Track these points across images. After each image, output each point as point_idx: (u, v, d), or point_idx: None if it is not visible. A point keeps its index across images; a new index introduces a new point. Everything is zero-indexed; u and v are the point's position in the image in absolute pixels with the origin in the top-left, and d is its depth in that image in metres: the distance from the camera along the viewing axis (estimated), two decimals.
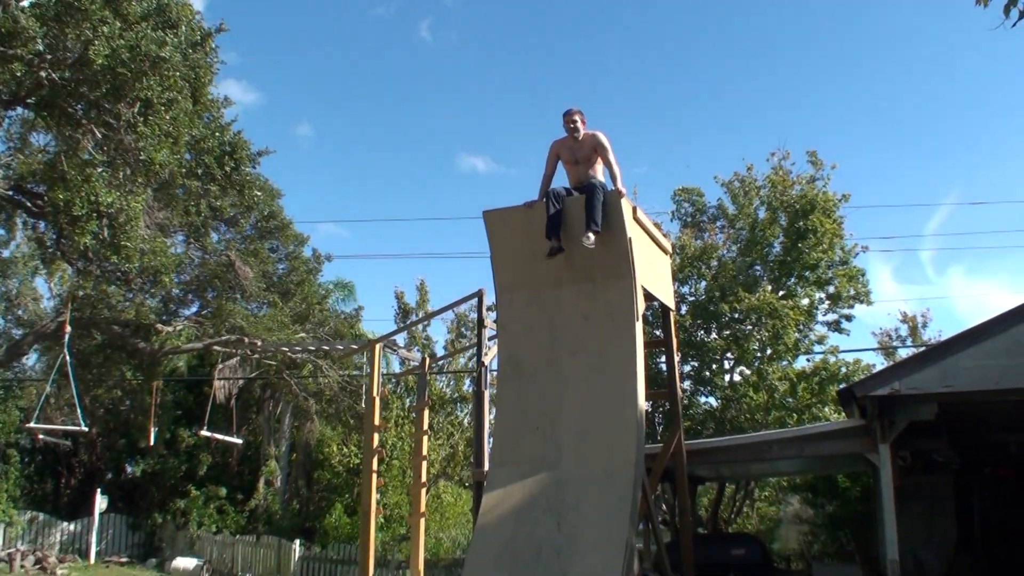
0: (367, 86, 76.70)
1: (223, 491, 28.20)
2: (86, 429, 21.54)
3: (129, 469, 31.23)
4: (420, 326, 31.21)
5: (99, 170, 14.20)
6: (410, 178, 76.87)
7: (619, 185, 9.19)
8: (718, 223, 27.34)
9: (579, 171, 9.42)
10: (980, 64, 70.70)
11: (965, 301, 64.92)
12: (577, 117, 9.39)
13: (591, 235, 8.67)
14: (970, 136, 71.35)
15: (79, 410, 20.52)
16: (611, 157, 9.29)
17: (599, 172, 9.41)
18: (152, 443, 25.12)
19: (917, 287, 65.42)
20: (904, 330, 31.41)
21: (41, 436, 24.16)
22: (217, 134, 17.69)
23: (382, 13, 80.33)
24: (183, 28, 14.42)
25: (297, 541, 24.69)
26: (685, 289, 25.96)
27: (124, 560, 27.10)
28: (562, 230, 8.95)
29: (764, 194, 26.52)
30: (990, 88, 71.16)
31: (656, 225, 11.08)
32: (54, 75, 13.67)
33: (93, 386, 27.44)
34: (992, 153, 72.06)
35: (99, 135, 14.54)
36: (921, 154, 72.23)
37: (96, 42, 12.72)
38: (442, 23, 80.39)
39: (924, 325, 31.10)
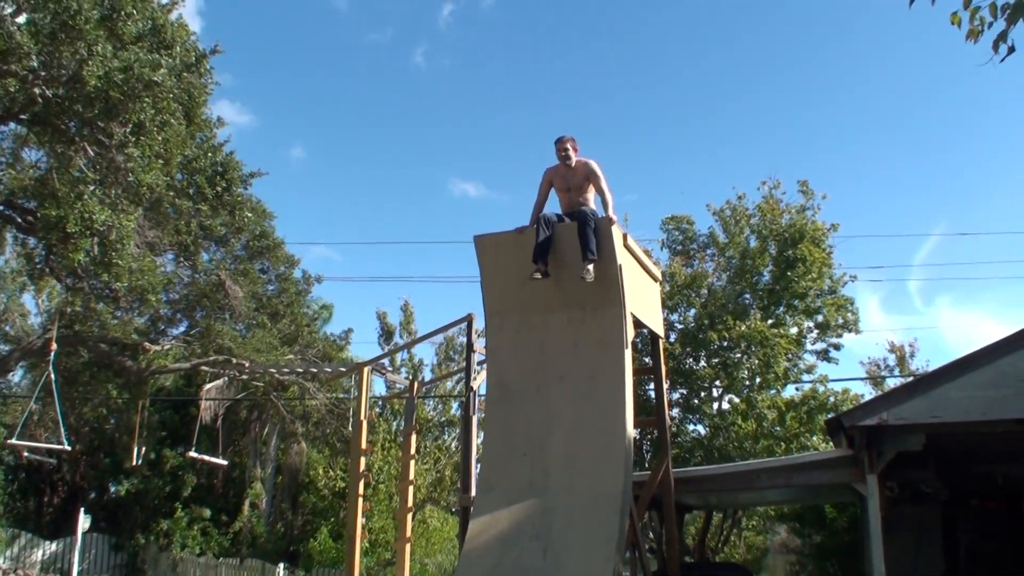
0: (361, 110, 77.10)
1: (207, 513, 27.97)
2: (68, 448, 21.37)
3: (113, 489, 30.96)
4: (408, 348, 31.21)
5: (91, 188, 14.18)
6: (402, 202, 77.13)
7: (610, 212, 9.21)
8: (708, 251, 27.43)
9: (571, 198, 9.46)
10: (968, 96, 71.45)
11: (953, 331, 65.16)
12: (569, 145, 9.45)
13: (590, 268, 8.68)
14: (957, 167, 71.96)
15: (62, 429, 20.38)
16: (603, 185, 9.34)
17: (591, 200, 9.45)
18: (136, 463, 24.93)
19: (905, 317, 65.76)
20: (892, 360, 31.57)
21: (25, 453, 23.99)
22: (209, 154, 17.69)
23: (377, 38, 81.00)
24: (178, 49, 14.45)
25: (281, 565, 24.50)
26: (674, 317, 26.00)
27: None
28: (550, 256, 8.96)
29: (754, 223, 26.64)
30: (978, 119, 71.87)
31: (646, 253, 11.10)
32: (48, 92, 13.68)
33: (79, 404, 27.28)
34: (979, 184, 72.65)
35: (91, 153, 14.53)
36: (909, 185, 72.77)
37: (90, 62, 12.74)
38: (436, 50, 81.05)
39: (912, 355, 31.28)
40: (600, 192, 9.38)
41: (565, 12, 77.22)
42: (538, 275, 8.85)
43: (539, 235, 8.96)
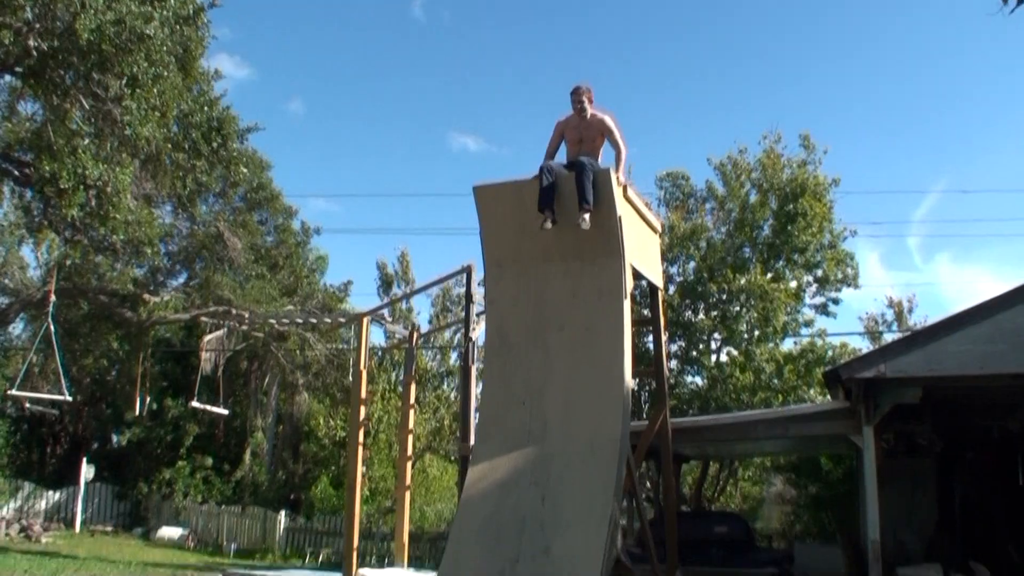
0: (360, 64, 76.31)
1: (209, 461, 28.25)
2: (69, 399, 21.46)
3: (115, 438, 31.23)
4: (406, 299, 31.34)
5: (86, 141, 14.12)
6: (401, 156, 76.61)
7: (622, 168, 9.14)
8: (707, 204, 27.37)
9: (581, 150, 9.29)
10: (971, 53, 70.80)
11: (951, 288, 65.23)
12: (584, 96, 9.25)
13: (586, 216, 8.64)
14: (959, 124, 71.54)
15: (63, 379, 20.46)
16: (619, 139, 9.24)
17: (600, 155, 9.37)
18: (138, 413, 25.10)
19: (904, 273, 65.74)
20: (891, 315, 31.64)
21: (27, 404, 24.14)
22: (205, 108, 17.58)
23: None
24: (172, 1, 14.29)
25: (282, 512, 24.78)
26: (674, 269, 26.01)
27: (109, 529, 27.16)
28: (556, 203, 8.90)
29: (755, 177, 26.54)
30: (980, 77, 71.32)
31: (647, 204, 11.07)
32: (43, 44, 13.56)
33: (80, 355, 27.40)
34: (980, 142, 72.25)
35: (87, 106, 14.44)
36: (910, 141, 72.34)
37: (83, 15, 12.61)
38: (435, 1, 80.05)
39: (910, 310, 31.34)
40: (615, 146, 9.27)
41: None
42: (548, 224, 8.79)
43: (542, 182, 8.90)
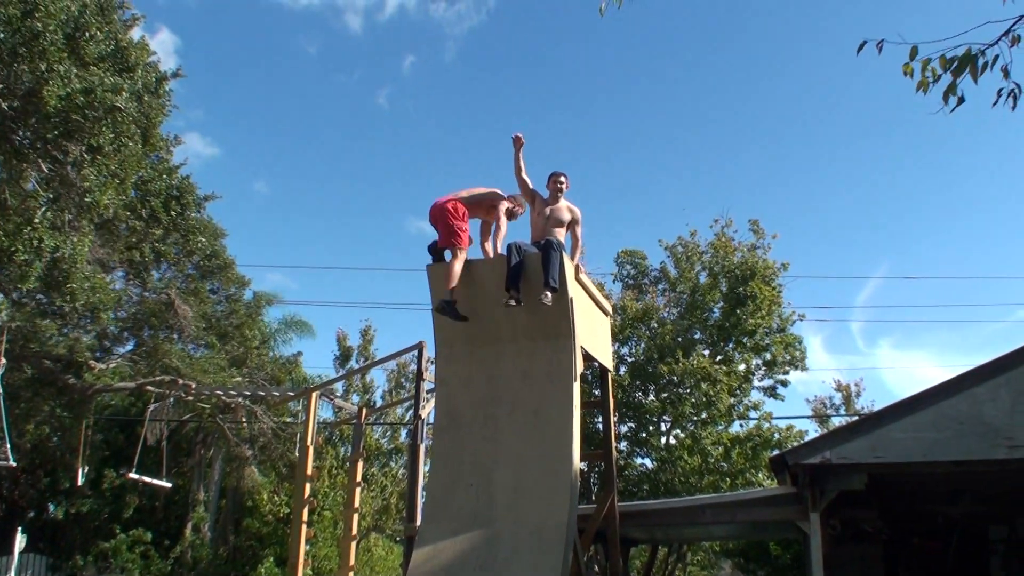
0: (324, 148, 78.11)
1: (149, 536, 27.49)
2: (13, 464, 20.79)
3: (52, 508, 30.34)
4: (363, 374, 31.01)
5: (42, 209, 14.00)
6: (359, 238, 77.94)
7: (577, 257, 9.53)
8: (659, 286, 27.64)
9: (547, 230, 9.58)
10: (912, 141, 73.12)
11: (893, 373, 66.17)
12: (564, 178, 9.81)
13: (548, 294, 8.75)
14: (900, 210, 73.61)
15: (8, 445, 19.82)
16: (580, 231, 9.68)
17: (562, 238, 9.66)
18: (79, 483, 24.43)
19: (847, 357, 66.63)
20: (838, 398, 32.02)
21: None
22: (164, 176, 17.54)
23: (344, 80, 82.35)
24: (139, 72, 14.35)
25: None
26: (625, 350, 26.11)
27: None
28: (522, 282, 9.00)
29: (706, 260, 26.90)
30: (921, 164, 73.61)
31: (598, 286, 11.22)
32: (3, 105, 13.50)
33: (20, 421, 26.71)
34: (922, 227, 74.24)
35: (44, 169, 14.34)
36: (853, 227, 74.17)
37: (50, 82, 12.60)
38: (400, 93, 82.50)
39: (858, 395, 31.74)
40: (575, 236, 9.71)
41: (524, 63, 79.64)
42: (512, 302, 8.87)
43: (510, 261, 9.01)
